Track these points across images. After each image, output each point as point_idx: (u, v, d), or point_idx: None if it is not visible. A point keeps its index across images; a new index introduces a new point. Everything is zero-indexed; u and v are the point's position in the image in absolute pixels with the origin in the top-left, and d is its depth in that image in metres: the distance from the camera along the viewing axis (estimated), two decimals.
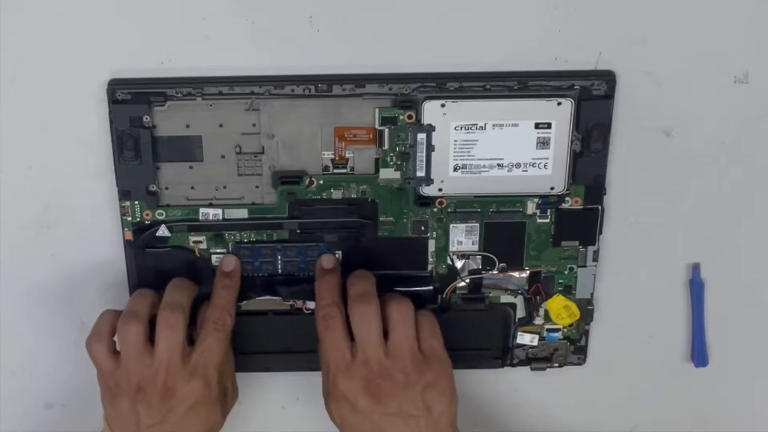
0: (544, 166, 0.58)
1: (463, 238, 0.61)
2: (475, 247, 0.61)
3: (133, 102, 0.56)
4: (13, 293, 0.62)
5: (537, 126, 0.57)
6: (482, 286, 0.62)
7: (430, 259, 0.61)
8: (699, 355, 0.65)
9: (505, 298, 0.63)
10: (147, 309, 0.57)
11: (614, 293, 0.64)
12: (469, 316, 0.62)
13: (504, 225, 0.60)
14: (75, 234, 0.61)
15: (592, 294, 0.63)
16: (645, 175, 0.61)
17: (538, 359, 0.64)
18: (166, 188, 0.59)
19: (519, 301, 0.63)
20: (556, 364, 0.65)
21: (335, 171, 0.59)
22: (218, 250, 0.60)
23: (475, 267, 0.62)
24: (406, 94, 0.57)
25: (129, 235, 0.60)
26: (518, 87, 0.57)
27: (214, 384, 0.57)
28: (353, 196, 0.59)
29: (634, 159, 0.60)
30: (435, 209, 0.60)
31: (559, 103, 0.57)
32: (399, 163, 0.59)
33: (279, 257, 0.60)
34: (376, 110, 0.57)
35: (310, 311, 0.62)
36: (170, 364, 0.56)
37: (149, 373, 0.56)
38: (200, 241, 0.60)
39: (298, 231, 0.60)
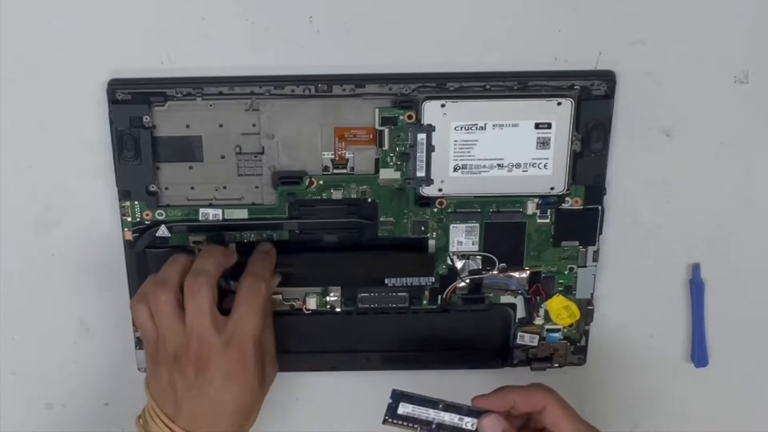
0: (544, 166, 0.58)
1: (463, 238, 0.61)
2: (475, 248, 0.61)
3: (133, 102, 0.56)
4: (14, 293, 0.62)
5: (537, 126, 0.57)
6: (482, 286, 0.62)
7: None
8: (699, 355, 0.65)
9: (505, 299, 0.63)
10: (177, 275, 0.55)
11: (614, 293, 0.64)
12: (469, 316, 0.62)
13: (504, 225, 0.60)
14: (75, 234, 0.61)
15: (592, 294, 0.63)
16: (645, 175, 0.61)
17: (538, 359, 0.64)
18: (166, 188, 0.59)
19: (519, 301, 0.63)
20: (556, 364, 0.65)
21: (335, 171, 0.59)
22: None
23: (475, 267, 0.62)
24: (406, 94, 0.57)
25: (129, 235, 0.60)
26: (518, 87, 0.57)
27: (250, 356, 0.55)
28: (353, 196, 0.59)
29: (634, 159, 0.60)
30: (435, 209, 0.60)
31: (559, 103, 0.57)
32: (399, 163, 0.59)
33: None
34: (376, 110, 0.57)
35: (310, 311, 0.62)
36: (201, 334, 0.54)
37: (183, 342, 0.54)
38: (200, 242, 0.60)
39: (298, 231, 0.60)
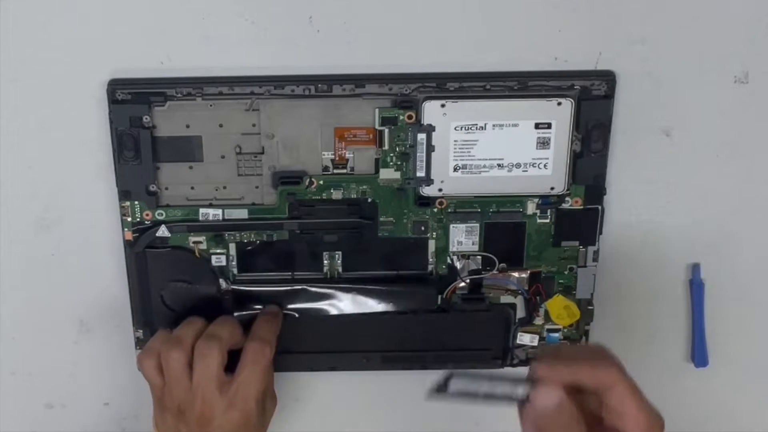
0: (544, 166, 0.58)
1: (463, 238, 0.61)
2: (475, 248, 0.61)
3: (133, 102, 0.56)
4: (13, 293, 0.62)
5: (537, 126, 0.57)
6: (482, 286, 0.62)
7: (430, 260, 0.61)
8: (699, 355, 0.65)
9: (505, 299, 0.63)
10: (192, 337, 0.58)
11: (614, 293, 0.64)
12: (469, 316, 0.62)
13: (504, 225, 0.60)
14: (75, 234, 0.61)
15: (592, 294, 0.63)
16: (645, 175, 0.61)
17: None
18: (166, 188, 0.59)
19: (519, 301, 0.63)
20: None
21: (335, 171, 0.59)
22: (218, 250, 0.60)
23: (475, 267, 0.62)
24: (406, 94, 0.57)
25: (129, 235, 0.60)
26: (518, 87, 0.57)
27: (253, 414, 0.57)
28: (353, 196, 0.59)
29: (634, 159, 0.60)
30: (435, 209, 0.60)
31: (559, 103, 0.57)
32: (399, 163, 0.59)
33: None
34: (376, 110, 0.57)
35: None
36: (205, 394, 0.56)
37: (188, 398, 0.57)
38: (200, 242, 0.60)
39: (298, 231, 0.60)
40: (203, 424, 0.56)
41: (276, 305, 0.61)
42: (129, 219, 0.59)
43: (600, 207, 0.60)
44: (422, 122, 0.57)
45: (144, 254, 0.60)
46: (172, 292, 0.61)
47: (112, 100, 0.56)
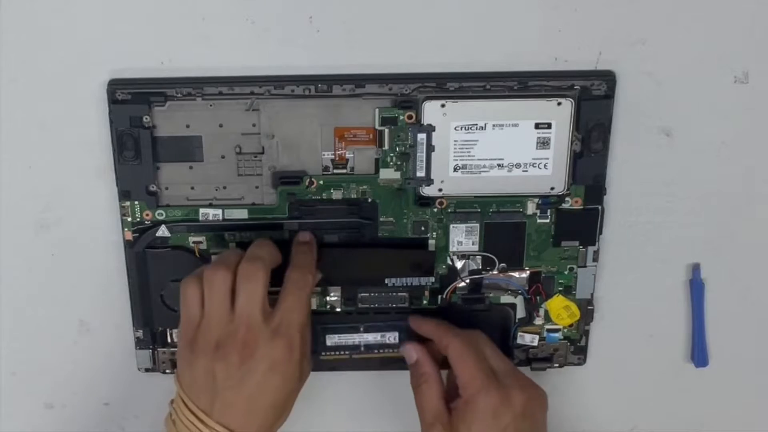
0: (544, 166, 0.58)
1: (463, 238, 0.61)
2: (475, 248, 0.61)
3: (133, 102, 0.56)
4: (13, 293, 0.62)
5: (537, 126, 0.57)
6: (482, 286, 0.62)
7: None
8: (699, 355, 0.65)
9: (505, 299, 0.63)
10: (235, 262, 0.55)
11: (614, 293, 0.64)
12: (469, 316, 0.62)
13: (504, 225, 0.60)
14: (75, 234, 0.61)
15: (592, 294, 0.63)
16: (645, 175, 0.61)
17: (538, 359, 0.64)
18: (166, 188, 0.59)
19: (519, 301, 0.63)
20: (556, 365, 0.65)
21: (335, 171, 0.59)
22: (218, 251, 0.60)
23: (475, 267, 0.62)
24: (406, 94, 0.57)
25: (129, 235, 0.60)
26: (518, 87, 0.57)
27: (296, 346, 0.54)
28: (353, 196, 0.59)
29: (634, 159, 0.60)
30: (435, 209, 0.60)
31: (559, 103, 0.57)
32: (399, 163, 0.59)
33: None
34: (376, 110, 0.57)
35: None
36: (251, 321, 0.53)
37: (230, 330, 0.53)
38: (200, 242, 0.60)
39: (298, 231, 0.60)
40: (246, 355, 0.53)
41: (308, 232, 0.59)
42: (129, 219, 0.59)
43: (600, 207, 0.60)
44: (422, 122, 0.57)
45: (144, 254, 0.60)
46: (172, 292, 0.61)
47: (112, 100, 0.56)
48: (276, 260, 0.56)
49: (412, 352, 0.60)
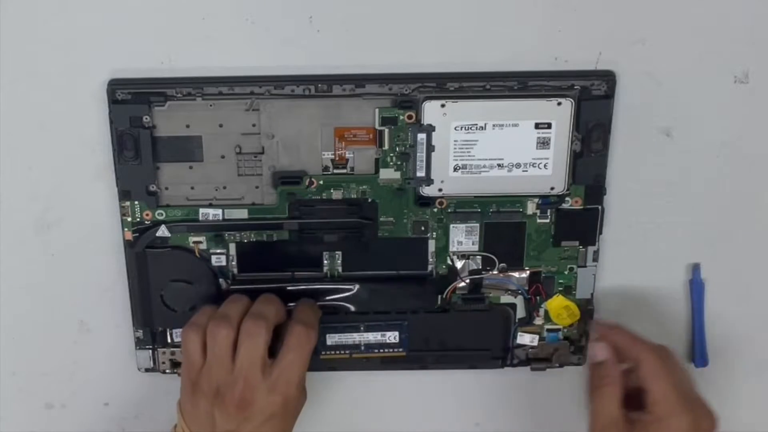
0: (544, 166, 0.58)
1: (463, 238, 0.61)
2: (475, 248, 0.61)
3: (133, 102, 0.56)
4: (13, 293, 0.62)
5: (537, 126, 0.57)
6: (482, 286, 0.62)
7: (430, 260, 0.61)
8: (699, 355, 0.65)
9: (505, 299, 0.63)
10: (239, 315, 0.56)
11: (614, 293, 0.64)
12: (469, 316, 0.62)
13: (504, 225, 0.60)
14: (75, 234, 0.61)
15: (592, 294, 0.63)
16: (645, 175, 0.61)
17: (538, 359, 0.64)
18: (166, 188, 0.59)
19: (519, 301, 0.63)
20: (556, 364, 0.65)
21: (335, 171, 0.59)
22: (218, 251, 0.60)
23: (475, 267, 0.62)
24: (406, 94, 0.57)
25: (129, 235, 0.60)
26: (518, 87, 0.57)
27: (292, 401, 0.56)
28: (353, 196, 0.59)
29: (634, 159, 0.60)
30: (435, 209, 0.60)
31: (559, 103, 0.57)
32: (399, 163, 0.59)
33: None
34: (376, 110, 0.57)
35: None
36: (249, 376, 0.55)
37: (229, 380, 0.55)
38: (200, 242, 0.60)
39: (298, 231, 0.60)
40: (243, 408, 0.55)
41: (311, 299, 0.61)
42: (129, 219, 0.59)
43: (600, 207, 0.60)
44: (422, 122, 0.57)
45: (144, 254, 0.60)
46: (172, 292, 0.61)
47: (112, 100, 0.56)
48: (280, 318, 0.58)
49: (603, 351, 0.58)
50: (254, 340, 0.55)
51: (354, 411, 0.67)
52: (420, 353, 0.63)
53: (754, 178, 0.61)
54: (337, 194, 0.59)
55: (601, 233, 0.61)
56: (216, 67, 0.56)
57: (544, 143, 0.58)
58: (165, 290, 0.61)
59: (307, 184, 0.59)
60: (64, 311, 0.63)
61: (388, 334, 0.62)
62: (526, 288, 0.62)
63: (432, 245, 0.61)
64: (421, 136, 0.57)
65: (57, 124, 0.58)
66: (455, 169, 0.58)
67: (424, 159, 0.58)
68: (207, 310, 0.57)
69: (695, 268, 0.63)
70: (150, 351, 0.63)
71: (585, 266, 0.62)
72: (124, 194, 0.59)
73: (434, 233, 0.61)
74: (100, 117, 0.57)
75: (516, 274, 0.62)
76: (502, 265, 0.61)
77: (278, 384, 0.55)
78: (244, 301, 0.58)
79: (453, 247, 0.61)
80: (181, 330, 0.62)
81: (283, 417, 0.56)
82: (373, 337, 0.62)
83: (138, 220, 0.59)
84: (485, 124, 0.57)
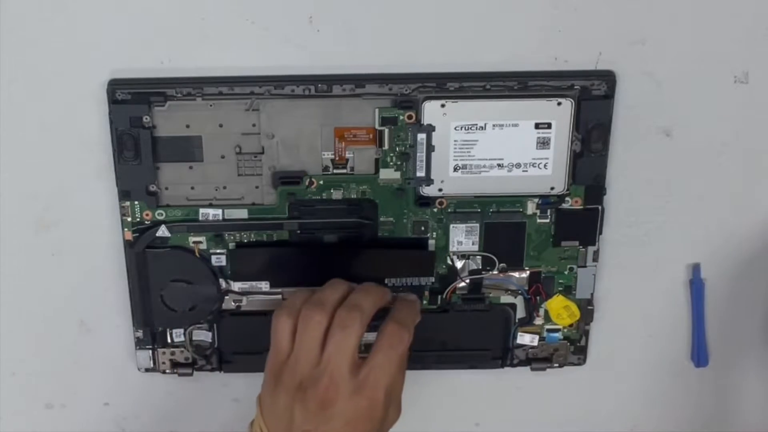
0: (544, 166, 0.58)
1: (463, 238, 0.61)
2: (475, 248, 0.61)
3: (133, 102, 0.56)
4: (13, 293, 0.62)
5: (537, 126, 0.57)
6: (482, 286, 0.62)
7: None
8: (699, 355, 0.65)
9: (505, 299, 0.63)
10: (336, 302, 0.53)
11: (614, 293, 0.64)
12: (469, 316, 0.62)
13: (504, 225, 0.60)
14: (75, 234, 0.61)
15: (592, 294, 0.63)
16: (645, 175, 0.61)
17: (538, 359, 0.64)
18: (166, 188, 0.59)
19: (519, 301, 0.63)
20: (556, 365, 0.65)
21: (335, 171, 0.59)
22: (218, 251, 0.60)
23: (475, 267, 0.62)
24: (406, 94, 0.57)
25: (129, 235, 0.60)
26: (518, 87, 0.57)
27: (379, 405, 0.51)
28: (353, 196, 0.59)
29: (634, 159, 0.60)
30: (435, 209, 0.60)
31: (559, 103, 0.57)
32: (399, 163, 0.59)
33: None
34: (376, 110, 0.57)
35: None
36: (335, 372, 0.51)
37: (314, 375, 0.51)
38: (200, 242, 0.60)
39: (298, 231, 0.60)
40: (324, 406, 0.51)
41: (414, 294, 0.58)
42: (129, 219, 0.59)
43: (600, 207, 0.60)
44: (422, 122, 0.57)
45: (144, 254, 0.60)
46: (172, 292, 0.61)
47: (112, 100, 0.56)
48: (381, 304, 0.54)
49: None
50: (346, 333, 0.51)
51: None
52: (420, 353, 0.63)
53: (754, 178, 0.61)
54: (337, 194, 0.59)
55: (601, 233, 0.61)
56: (216, 67, 0.56)
57: (544, 143, 0.58)
58: (165, 290, 0.61)
59: (307, 184, 0.59)
60: (64, 311, 0.63)
61: None
62: (526, 288, 0.62)
63: (432, 245, 0.61)
64: (421, 136, 0.57)
65: (57, 124, 0.58)
66: (455, 169, 0.58)
67: (424, 159, 0.58)
68: (302, 293, 0.54)
69: (695, 268, 0.63)
70: (150, 351, 0.63)
71: (585, 266, 0.62)
72: (124, 194, 0.59)
73: (434, 233, 0.61)
74: (100, 117, 0.57)
75: (516, 274, 0.62)
76: (502, 265, 0.61)
77: (365, 385, 0.51)
78: (344, 288, 0.54)
79: (453, 247, 0.61)
80: (181, 330, 0.62)
81: (366, 424, 0.52)
82: (372, 337, 0.62)
83: (138, 220, 0.59)
84: (485, 124, 0.57)
